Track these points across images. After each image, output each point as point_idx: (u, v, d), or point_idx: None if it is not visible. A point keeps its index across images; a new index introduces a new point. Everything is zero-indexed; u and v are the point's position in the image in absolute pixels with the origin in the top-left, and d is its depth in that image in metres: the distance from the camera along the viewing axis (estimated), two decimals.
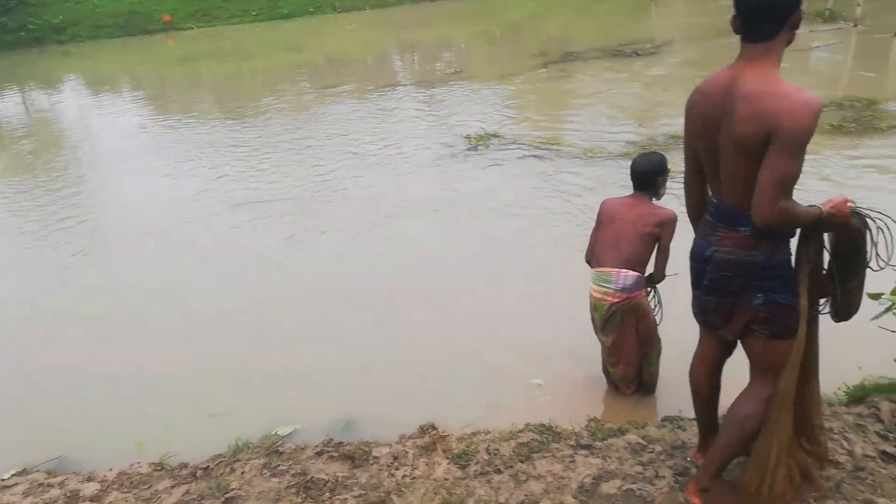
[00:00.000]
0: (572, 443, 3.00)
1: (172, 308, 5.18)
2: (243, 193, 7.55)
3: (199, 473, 3.20)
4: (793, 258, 2.29)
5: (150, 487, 3.16)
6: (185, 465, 3.32)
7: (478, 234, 5.92)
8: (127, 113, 12.94)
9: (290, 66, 16.45)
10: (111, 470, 3.37)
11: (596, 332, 3.42)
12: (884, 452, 2.70)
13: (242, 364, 4.32)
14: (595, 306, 3.31)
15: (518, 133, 8.60)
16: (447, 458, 3.02)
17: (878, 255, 2.30)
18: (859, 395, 3.18)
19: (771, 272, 2.23)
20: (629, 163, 3.40)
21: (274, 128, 10.41)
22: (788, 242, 2.26)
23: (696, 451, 2.76)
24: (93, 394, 4.20)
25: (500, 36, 18.67)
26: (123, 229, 6.93)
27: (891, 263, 2.32)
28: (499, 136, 8.44)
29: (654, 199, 3.34)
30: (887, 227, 2.28)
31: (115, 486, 3.21)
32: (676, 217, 3.15)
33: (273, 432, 3.55)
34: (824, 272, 2.34)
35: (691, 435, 2.92)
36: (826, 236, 2.31)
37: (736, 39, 2.15)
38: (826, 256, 2.34)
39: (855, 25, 12.42)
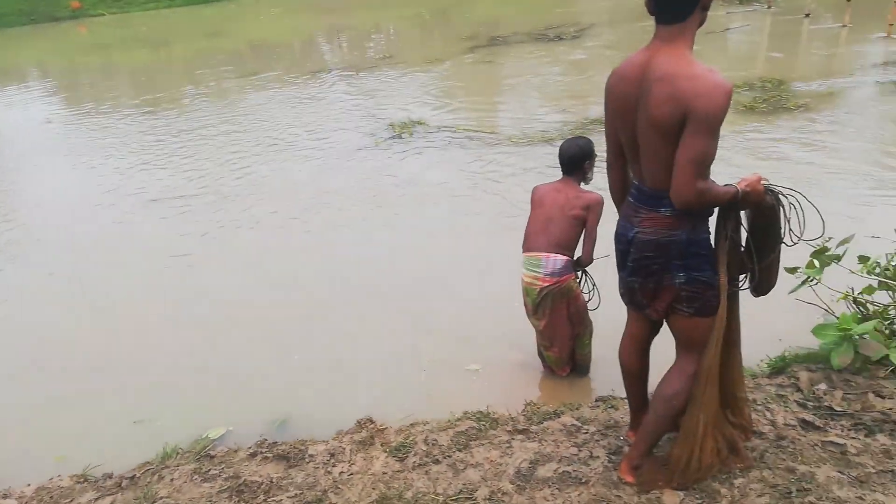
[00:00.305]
0: (509, 428, 3.01)
1: (83, 313, 4.90)
2: (158, 188, 7.22)
3: (124, 483, 3.05)
4: (712, 237, 2.34)
5: (72, 501, 2.99)
6: (109, 476, 3.16)
7: (404, 223, 5.85)
8: (33, 105, 12.20)
9: (211, 53, 15.87)
10: (29, 485, 3.17)
11: (529, 317, 3.44)
12: (803, 421, 2.82)
13: (167, 368, 4.13)
14: (526, 291, 3.32)
15: (443, 119, 8.53)
16: (385, 451, 2.98)
17: (790, 230, 2.38)
18: (780, 366, 3.31)
19: (692, 251, 2.27)
20: (555, 147, 3.41)
21: (193, 118, 10.02)
22: (707, 222, 2.31)
23: (629, 430, 2.81)
24: (5, 409, 3.94)
25: (429, 19, 18.53)
26: (27, 230, 6.52)
27: (803, 238, 2.40)
28: (423, 124, 8.34)
29: (582, 183, 3.37)
30: (799, 204, 2.35)
31: (34, 502, 3.03)
32: (602, 200, 3.18)
33: (204, 436, 3.42)
34: (742, 249, 2.41)
35: (623, 414, 2.97)
36: (742, 214, 2.37)
37: (652, 21, 2.16)
38: (743, 234, 2.40)
39: (769, 7, 12.92)
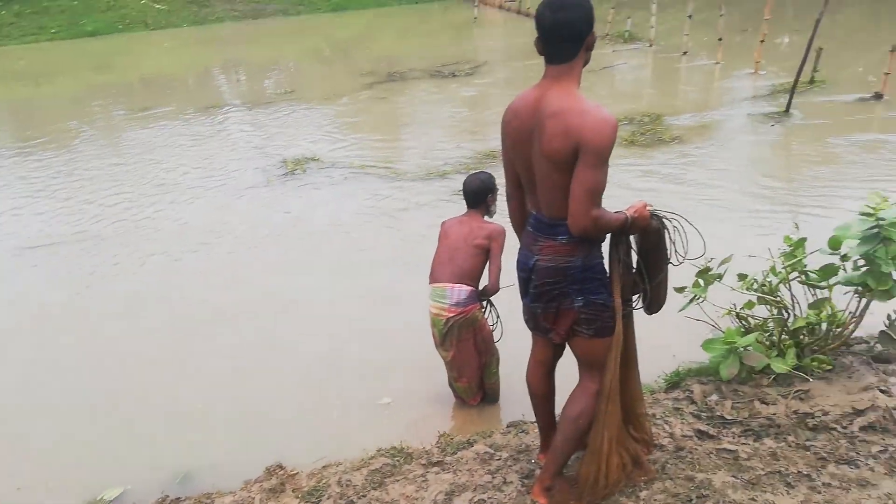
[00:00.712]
0: (423, 461, 3.01)
1: None
2: (33, 234, 6.70)
3: None
4: (605, 261, 2.48)
5: None
6: None
7: (298, 261, 5.73)
8: None
9: (99, 88, 15.14)
10: None
11: (437, 348, 3.47)
12: (699, 431, 2.99)
13: (50, 426, 3.83)
14: (433, 321, 3.37)
15: (338, 156, 8.46)
16: (297, 497, 2.89)
17: (675, 251, 2.56)
18: (675, 381, 3.51)
19: (588, 275, 2.40)
20: (450, 181, 3.52)
21: (76, 156, 9.47)
22: (600, 248, 2.45)
23: (539, 452, 2.88)
24: None
25: (329, 55, 18.57)
26: None
27: (688, 258, 2.59)
28: (317, 160, 8.25)
29: (486, 216, 3.49)
30: (681, 226, 2.54)
31: None
32: (504, 231, 3.30)
33: (98, 498, 3.19)
34: (634, 270, 2.56)
35: (534, 437, 3.04)
36: (632, 238, 2.53)
37: (540, 60, 2.29)
38: (634, 256, 2.56)
39: (650, 46, 13.87)
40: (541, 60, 2.28)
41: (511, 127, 2.38)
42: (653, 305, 2.63)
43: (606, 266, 2.47)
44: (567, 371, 2.69)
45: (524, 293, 2.57)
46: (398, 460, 3.05)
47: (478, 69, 13.37)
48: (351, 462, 3.13)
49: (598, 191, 2.21)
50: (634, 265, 2.56)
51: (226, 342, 4.55)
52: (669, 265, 2.59)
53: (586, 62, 2.32)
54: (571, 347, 2.57)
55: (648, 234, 2.50)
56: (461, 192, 3.53)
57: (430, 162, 7.96)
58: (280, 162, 8.28)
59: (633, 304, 2.62)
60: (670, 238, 2.54)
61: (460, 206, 6.09)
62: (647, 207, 2.46)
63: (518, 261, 2.55)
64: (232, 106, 11.94)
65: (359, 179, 7.58)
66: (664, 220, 2.52)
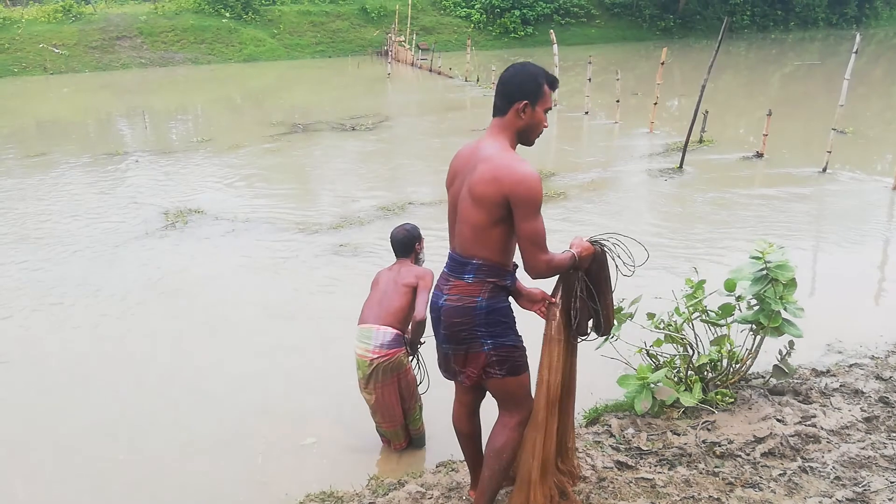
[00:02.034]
0: None
1: None
2: None
3: None
4: (512, 304, 2.61)
5: None
6: None
7: (183, 313, 5.43)
8: None
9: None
10: None
11: (361, 391, 3.47)
12: (618, 462, 3.15)
13: None
14: (358, 363, 3.38)
15: (225, 207, 8.13)
16: None
17: (623, 263, 2.70)
18: (594, 416, 3.68)
19: (493, 318, 2.53)
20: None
21: None
22: (504, 290, 2.57)
23: (470, 489, 2.95)
24: None
25: (241, 103, 18.44)
26: None
27: (636, 265, 2.73)
28: (201, 212, 7.90)
29: (415, 264, 3.60)
30: (620, 241, 2.71)
31: None
32: (433, 273, 3.40)
33: None
34: (587, 299, 2.69)
35: (464, 475, 3.10)
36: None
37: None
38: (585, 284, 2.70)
39: (555, 105, 14.70)
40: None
41: (452, 166, 2.60)
42: (605, 326, 2.77)
43: (513, 308, 2.61)
44: (494, 408, 2.79)
45: (436, 334, 2.69)
46: None
47: (380, 123, 13.49)
48: None
49: (541, 238, 2.41)
50: (586, 292, 2.68)
51: (125, 396, 4.33)
52: (626, 278, 2.73)
53: (525, 132, 2.50)
54: (486, 387, 2.68)
55: (594, 261, 2.66)
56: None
57: (317, 214, 7.83)
58: (161, 213, 7.89)
59: (589, 333, 2.76)
60: (613, 258, 2.70)
61: (346, 259, 6.17)
62: (585, 239, 2.65)
63: (430, 301, 2.69)
64: (129, 154, 11.44)
65: (243, 231, 7.31)
66: (603, 243, 2.69)
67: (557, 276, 2.66)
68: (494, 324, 2.52)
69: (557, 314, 2.65)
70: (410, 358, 3.51)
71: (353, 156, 11.18)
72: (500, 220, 2.43)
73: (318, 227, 7.33)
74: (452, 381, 2.79)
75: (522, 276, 2.62)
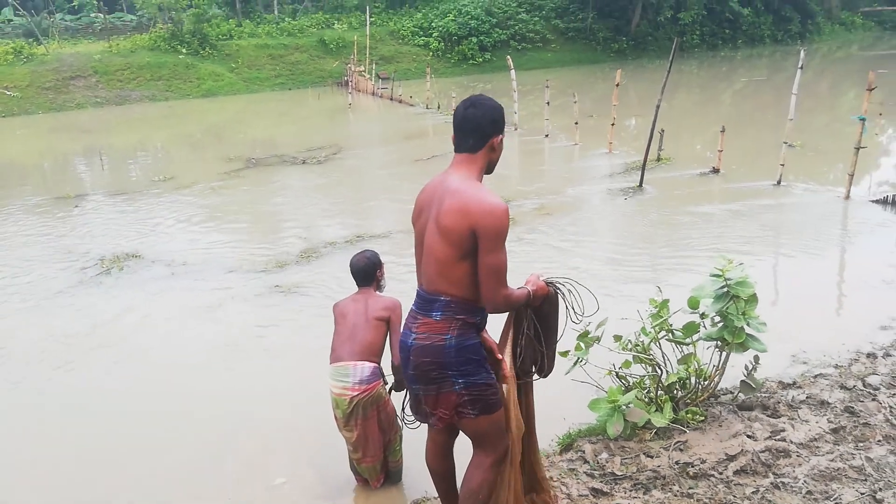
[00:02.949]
0: None
1: None
2: None
3: None
4: (479, 341, 2.57)
5: None
6: None
7: (124, 363, 5.23)
8: None
9: None
10: None
11: (340, 430, 3.40)
12: (593, 489, 3.13)
13: None
14: (336, 402, 3.31)
15: (164, 250, 7.88)
16: None
17: (573, 311, 2.73)
18: (568, 442, 3.66)
19: (464, 357, 2.48)
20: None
21: None
22: (473, 328, 2.53)
23: None
24: None
25: (201, 139, 18.25)
26: None
27: (585, 315, 2.77)
28: (138, 257, 7.65)
29: (377, 291, 3.55)
30: (574, 289, 2.73)
31: None
32: (400, 303, 3.38)
33: None
34: (533, 338, 2.70)
35: None
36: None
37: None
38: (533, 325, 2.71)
39: (515, 129, 14.87)
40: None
41: (418, 202, 2.58)
42: (547, 368, 2.78)
43: (508, 338, 2.60)
44: (467, 446, 2.75)
45: (405, 375, 2.64)
46: None
47: (332, 156, 13.30)
48: None
49: (502, 271, 2.40)
50: (533, 333, 2.70)
51: (81, 447, 4.18)
52: (570, 325, 2.75)
53: (492, 163, 2.55)
54: (460, 428, 2.63)
55: (547, 301, 2.67)
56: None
57: (261, 254, 7.61)
58: (97, 259, 7.59)
59: (532, 372, 2.75)
60: (566, 302, 2.72)
61: (285, 299, 5.91)
62: (541, 278, 2.65)
63: (400, 341, 2.64)
64: (82, 196, 11.14)
65: (180, 275, 7.06)
66: (558, 285, 2.71)
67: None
68: (465, 362, 2.47)
69: (507, 351, 2.63)
70: (387, 386, 3.46)
71: (301, 191, 10.96)
72: (467, 254, 2.40)
73: (266, 267, 7.12)
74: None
75: None
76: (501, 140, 2.53)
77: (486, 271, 2.38)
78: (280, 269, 7.03)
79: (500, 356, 2.63)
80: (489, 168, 2.56)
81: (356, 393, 3.24)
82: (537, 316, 2.70)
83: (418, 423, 2.83)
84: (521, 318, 2.64)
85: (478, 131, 2.47)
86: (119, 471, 3.91)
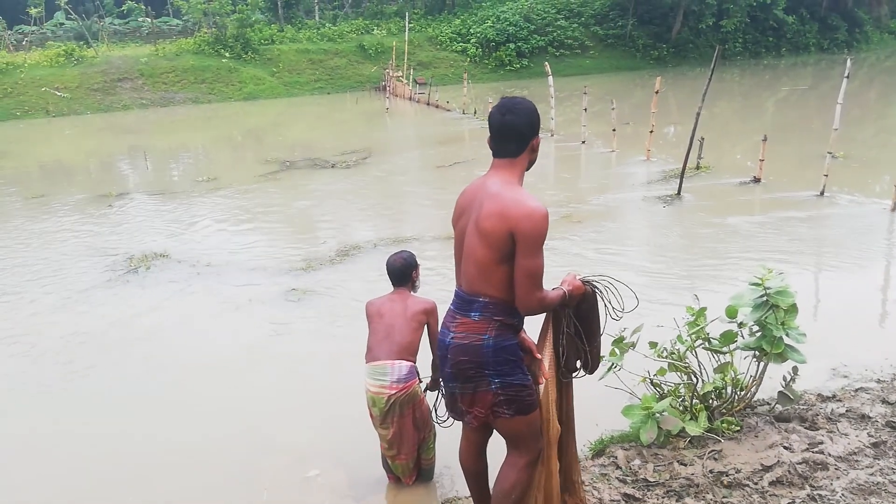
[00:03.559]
0: None
1: None
2: None
3: None
4: (518, 342, 2.59)
5: None
6: None
7: (155, 362, 5.32)
8: None
9: None
10: None
11: (376, 428, 3.45)
12: (625, 494, 3.12)
13: None
14: (373, 401, 3.36)
15: (189, 251, 8.05)
16: None
17: (612, 308, 2.73)
18: (600, 448, 3.65)
19: (501, 357, 2.51)
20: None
21: None
22: (511, 329, 2.56)
23: None
24: None
25: (241, 141, 18.62)
26: None
27: (625, 311, 2.76)
28: (165, 256, 7.80)
29: (412, 291, 3.60)
30: (612, 285, 2.74)
31: None
32: (436, 305, 3.44)
33: None
34: (574, 336, 2.71)
35: None
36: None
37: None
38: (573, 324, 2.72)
39: (552, 136, 14.84)
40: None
41: (458, 204, 2.61)
42: (592, 365, 2.78)
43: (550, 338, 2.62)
44: (501, 447, 2.77)
45: (442, 373, 2.68)
46: None
47: (363, 160, 13.33)
48: None
49: (538, 275, 2.42)
50: (574, 331, 2.70)
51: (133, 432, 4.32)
52: (611, 321, 2.75)
53: (532, 162, 2.58)
54: (495, 427, 2.66)
55: (585, 300, 2.68)
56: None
57: (284, 257, 7.68)
58: (126, 258, 7.81)
59: (578, 371, 2.76)
60: (604, 299, 2.72)
61: (298, 304, 6.05)
62: (578, 277, 2.67)
63: (438, 339, 2.67)
64: (123, 195, 11.49)
65: (204, 276, 7.15)
66: (595, 284, 2.71)
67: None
68: (502, 363, 2.50)
69: (546, 352, 2.64)
70: (423, 385, 3.51)
71: (325, 195, 10.98)
72: (507, 257, 2.43)
73: (288, 267, 7.22)
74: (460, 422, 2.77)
75: None
76: (539, 139, 2.56)
77: (521, 274, 2.40)
78: (302, 272, 7.11)
79: (538, 355, 2.65)
80: (529, 168, 2.59)
81: (394, 391, 3.29)
82: (577, 315, 2.71)
83: (451, 421, 2.85)
84: (560, 318, 2.65)
85: (518, 137, 2.50)
86: (155, 459, 4.05)
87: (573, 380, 2.80)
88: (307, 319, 5.97)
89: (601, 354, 2.85)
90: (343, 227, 9.04)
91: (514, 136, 2.49)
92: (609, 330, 2.97)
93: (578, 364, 2.78)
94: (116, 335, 5.85)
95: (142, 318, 6.20)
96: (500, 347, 2.49)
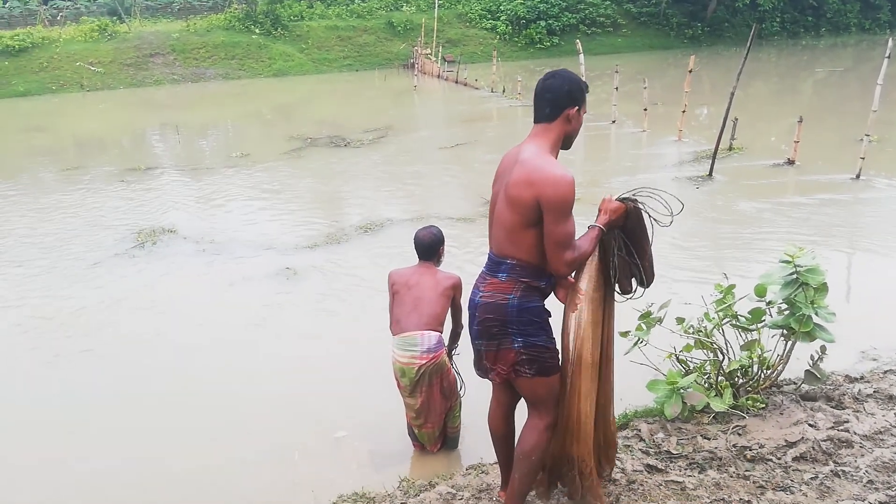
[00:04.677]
0: None
1: None
2: None
3: None
4: (543, 304, 2.63)
5: None
6: None
7: (160, 336, 5.37)
8: None
9: (29, 148, 14.84)
10: None
11: (404, 398, 3.54)
12: (648, 465, 3.16)
13: None
14: (403, 371, 3.42)
15: (196, 228, 8.09)
16: None
17: (659, 215, 2.67)
18: (624, 422, 3.69)
19: (525, 317, 2.58)
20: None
21: None
22: (536, 291, 2.61)
23: (500, 490, 2.98)
24: None
25: (270, 118, 18.77)
26: None
27: (673, 215, 2.70)
28: (173, 232, 7.88)
29: (437, 266, 3.66)
30: (653, 194, 2.69)
31: None
32: (461, 280, 3.53)
33: None
34: (626, 256, 2.69)
35: (494, 476, 3.14)
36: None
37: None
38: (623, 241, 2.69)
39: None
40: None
41: (498, 169, 2.68)
42: (647, 280, 2.76)
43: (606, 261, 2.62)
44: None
45: (471, 330, 2.76)
46: None
47: (380, 139, 13.27)
48: None
49: (566, 241, 2.46)
50: (624, 250, 2.68)
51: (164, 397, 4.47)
52: (666, 228, 2.70)
53: (569, 137, 2.60)
54: (516, 387, 2.73)
55: (629, 218, 2.65)
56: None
57: (290, 236, 7.69)
58: (135, 233, 7.92)
59: (634, 290, 2.75)
60: (647, 212, 2.68)
61: (290, 281, 6.14)
62: (614, 199, 2.65)
63: (469, 299, 2.75)
64: (152, 168, 11.68)
65: (208, 253, 7.21)
66: (635, 199, 2.67)
67: None
68: (526, 323, 2.57)
69: (594, 270, 2.63)
70: (451, 355, 3.59)
71: (332, 175, 10.95)
72: (534, 223, 2.49)
73: (286, 247, 7.25)
74: (485, 380, 2.84)
75: None
76: (579, 113, 2.58)
77: (550, 241, 2.46)
78: (313, 248, 7.16)
79: (572, 279, 2.65)
80: (568, 143, 2.62)
81: (424, 361, 3.36)
82: (624, 232, 2.66)
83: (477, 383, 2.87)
84: (609, 239, 2.63)
85: (554, 101, 2.54)
86: (188, 424, 4.19)
87: (624, 302, 2.77)
88: (305, 295, 5.99)
89: (654, 267, 2.77)
90: (342, 207, 9.04)
91: (549, 98, 2.54)
92: (637, 305, 2.98)
93: (634, 284, 2.75)
94: (129, 305, 5.97)
95: (153, 289, 6.32)
96: (524, 308, 2.57)
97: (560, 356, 2.67)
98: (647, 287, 2.82)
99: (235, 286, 6.33)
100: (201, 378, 4.75)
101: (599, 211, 2.66)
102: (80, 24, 28.89)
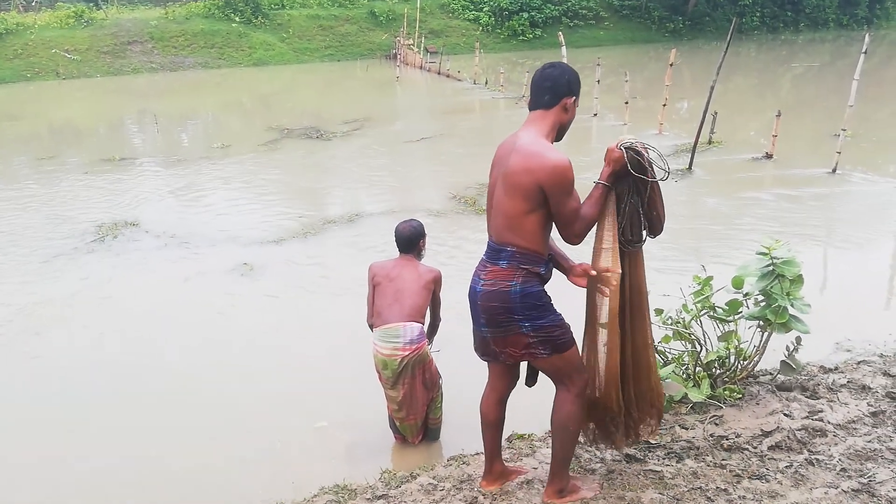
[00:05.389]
0: (368, 496, 3.05)
1: None
2: None
3: None
4: (544, 289, 2.66)
5: None
6: None
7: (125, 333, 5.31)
8: None
9: (1, 137, 14.57)
10: None
11: (385, 390, 3.54)
12: (627, 455, 3.19)
13: None
14: (385, 363, 3.42)
15: (160, 221, 8.00)
16: None
17: (651, 170, 2.65)
18: None
19: (528, 302, 2.61)
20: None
21: None
22: (537, 276, 2.64)
23: (482, 480, 2.99)
24: None
25: (249, 107, 18.58)
26: None
27: (668, 171, 2.71)
28: (135, 225, 7.82)
29: (418, 259, 3.66)
30: (651, 147, 2.70)
31: None
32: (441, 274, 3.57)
33: None
34: (636, 206, 2.68)
35: (475, 467, 3.15)
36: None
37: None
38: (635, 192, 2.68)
39: None
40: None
41: (495, 157, 2.72)
42: (656, 229, 2.78)
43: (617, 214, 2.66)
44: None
45: (474, 319, 2.77)
46: (343, 496, 3.08)
47: (354, 131, 13.19)
48: (294, 502, 3.12)
49: (574, 216, 2.56)
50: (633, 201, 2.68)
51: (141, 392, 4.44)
52: (661, 182, 2.70)
53: (564, 127, 2.66)
54: (536, 366, 2.78)
55: (631, 165, 2.61)
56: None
57: (254, 231, 7.60)
58: (96, 226, 7.78)
59: (644, 239, 2.77)
60: (648, 160, 2.65)
61: (248, 277, 6.11)
62: (616, 147, 2.61)
63: (469, 289, 2.75)
64: (127, 159, 11.51)
65: (169, 247, 7.15)
66: (634, 146, 2.63)
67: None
68: (529, 307, 2.61)
69: (607, 225, 2.64)
70: (431, 346, 3.60)
71: (300, 168, 10.91)
72: (534, 209, 2.54)
73: (248, 241, 7.20)
74: (489, 363, 2.85)
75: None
76: (574, 104, 2.65)
77: (561, 220, 2.57)
78: (278, 242, 7.12)
79: (592, 272, 2.67)
80: (562, 133, 2.68)
81: (407, 353, 3.36)
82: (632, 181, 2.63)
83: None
84: (621, 194, 2.64)
85: (554, 88, 2.61)
86: (169, 418, 4.16)
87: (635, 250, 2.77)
88: (271, 290, 5.94)
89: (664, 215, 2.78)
90: (318, 199, 8.97)
91: (548, 86, 2.61)
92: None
93: (644, 231, 2.75)
94: (81, 299, 5.87)
95: (103, 286, 6.20)
96: (526, 293, 2.60)
97: (571, 330, 2.70)
98: (655, 236, 2.83)
99: (190, 281, 6.26)
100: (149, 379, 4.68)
101: (605, 163, 2.65)
102: (56, 10, 28.33)
